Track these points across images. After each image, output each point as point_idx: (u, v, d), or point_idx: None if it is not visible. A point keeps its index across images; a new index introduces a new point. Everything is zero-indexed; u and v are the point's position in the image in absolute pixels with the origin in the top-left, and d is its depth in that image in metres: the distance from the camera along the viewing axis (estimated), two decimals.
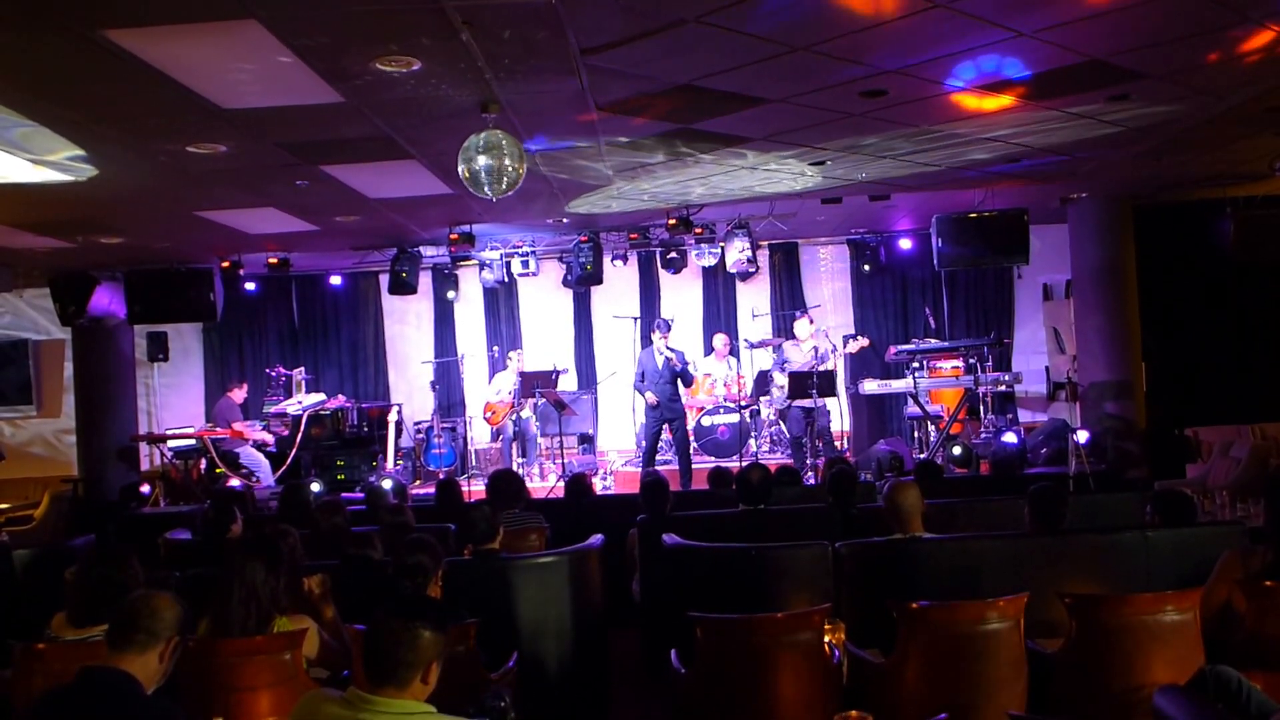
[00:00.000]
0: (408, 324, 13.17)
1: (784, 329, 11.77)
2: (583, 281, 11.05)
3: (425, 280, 12.05)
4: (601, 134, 6.58)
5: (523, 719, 3.99)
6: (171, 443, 10.85)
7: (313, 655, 3.63)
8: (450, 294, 12.52)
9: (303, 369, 12.23)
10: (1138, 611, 3.68)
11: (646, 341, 9.92)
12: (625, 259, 11.88)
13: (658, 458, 10.09)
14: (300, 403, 11.02)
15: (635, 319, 10.98)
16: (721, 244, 10.80)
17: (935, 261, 9.62)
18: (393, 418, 11.27)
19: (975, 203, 9.50)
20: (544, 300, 12.79)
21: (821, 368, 9.56)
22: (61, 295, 10.31)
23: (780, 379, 9.74)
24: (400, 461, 11.46)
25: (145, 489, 10.02)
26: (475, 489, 9.44)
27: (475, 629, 3.79)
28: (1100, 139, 7.43)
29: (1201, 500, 8.86)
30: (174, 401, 13.01)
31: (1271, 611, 3.72)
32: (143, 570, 3.83)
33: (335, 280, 12.59)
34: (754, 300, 12.58)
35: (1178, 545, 4.60)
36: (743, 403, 10.77)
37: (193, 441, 10.73)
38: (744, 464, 7.54)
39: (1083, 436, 8.58)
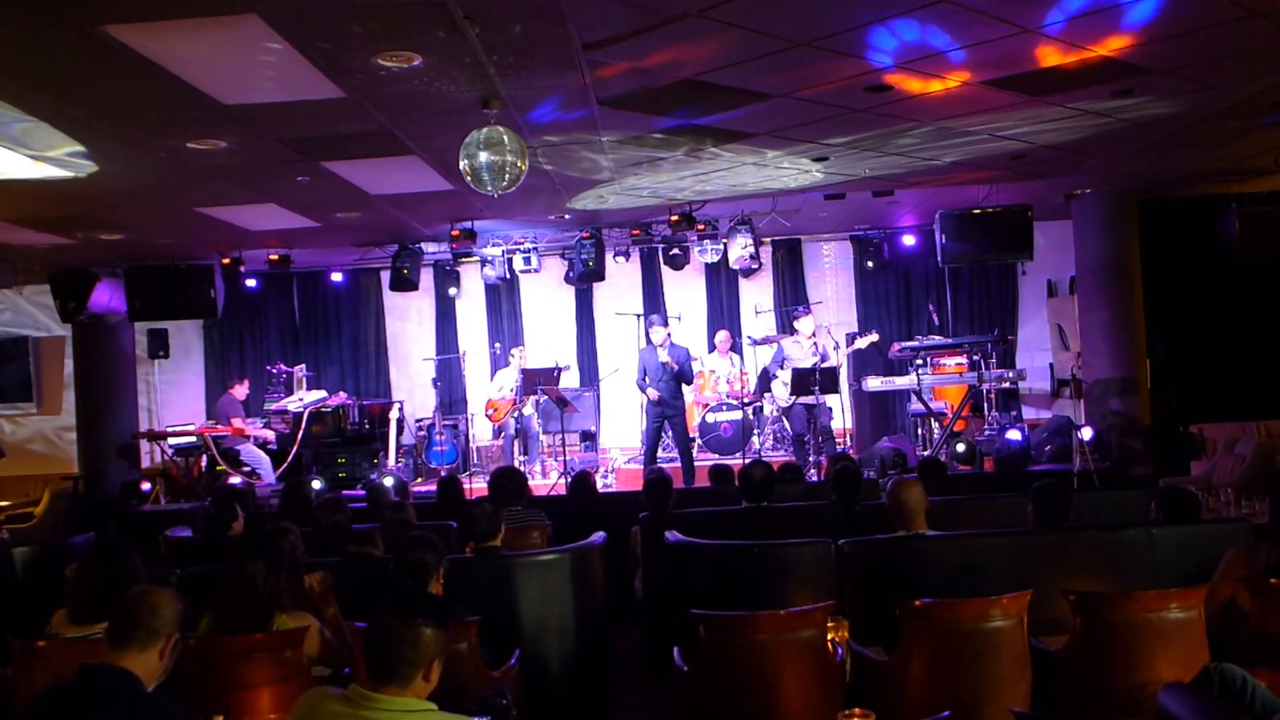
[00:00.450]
0: (409, 321, 13.16)
1: (786, 326, 11.76)
2: (585, 278, 11.03)
3: (427, 277, 12.03)
4: (603, 129, 6.56)
5: (525, 717, 3.98)
6: (172, 440, 10.85)
7: (314, 653, 3.62)
8: (452, 291, 12.51)
9: (304, 366, 12.23)
10: (1142, 609, 3.66)
11: (648, 339, 9.91)
12: (627, 255, 11.87)
13: (661, 454, 10.08)
14: (301, 400, 11.01)
15: (638, 316, 10.96)
16: (724, 240, 10.78)
17: (939, 258, 9.60)
18: (394, 415, 11.27)
19: (979, 198, 9.48)
20: (546, 297, 12.78)
21: (824, 365, 9.54)
22: (62, 292, 10.30)
23: (784, 375, 9.71)
24: (402, 459, 11.46)
25: (146, 486, 10.01)
26: (477, 486, 9.43)
27: (477, 627, 3.78)
28: (1105, 134, 7.41)
29: (1206, 497, 8.83)
30: (175, 398, 13.00)
31: (1276, 609, 3.71)
32: (144, 568, 3.83)
33: (336, 277, 12.58)
34: (757, 297, 12.56)
35: (1182, 543, 4.58)
36: (745, 399, 10.76)
37: (194, 439, 10.73)
38: (747, 461, 7.51)
39: (1087, 433, 8.56)
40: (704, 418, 10.76)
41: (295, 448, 10.68)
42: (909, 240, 11.72)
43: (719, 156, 7.55)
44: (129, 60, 4.67)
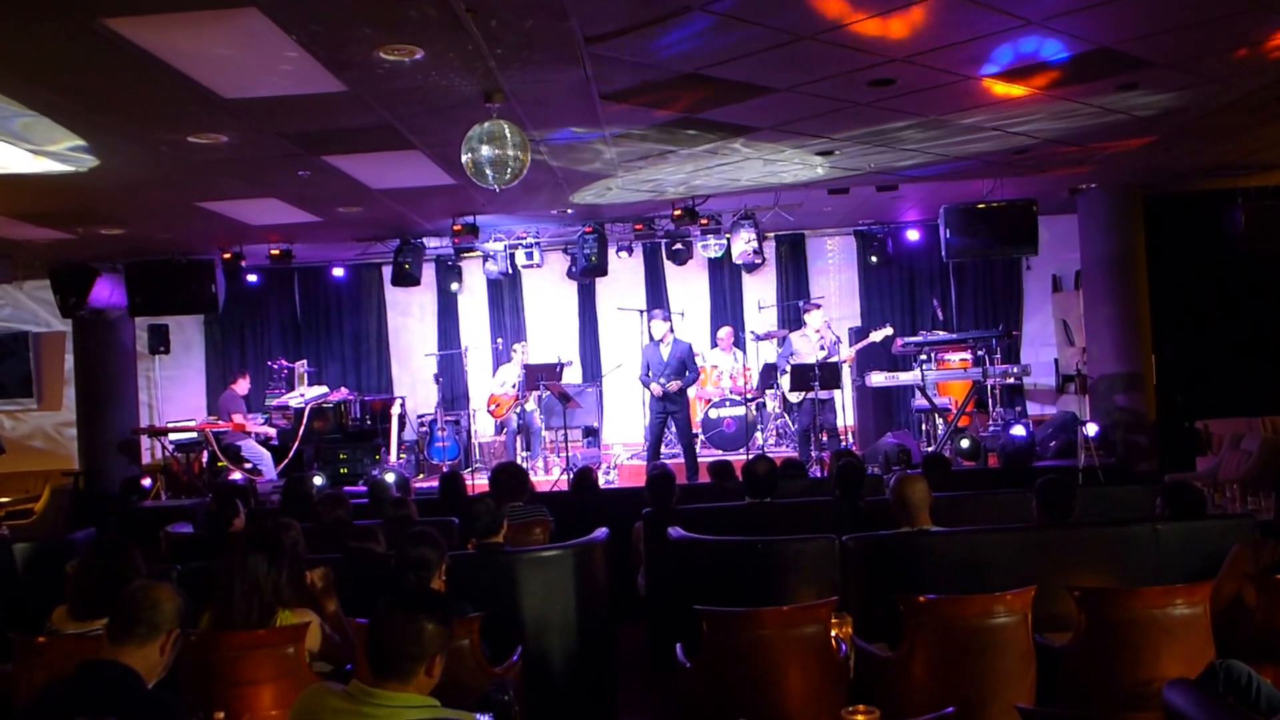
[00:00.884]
0: (411, 316, 13.14)
1: (790, 321, 11.73)
2: (587, 273, 11.01)
3: (428, 272, 12.01)
4: (606, 123, 6.53)
5: (527, 713, 3.97)
6: (173, 436, 10.85)
7: (315, 649, 3.61)
8: (454, 286, 12.49)
9: (305, 361, 12.22)
10: (1147, 605, 3.65)
11: (650, 334, 9.89)
12: (630, 250, 11.85)
13: (664, 450, 10.06)
14: (302, 395, 11.01)
15: (641, 311, 10.94)
16: (727, 235, 10.76)
17: (943, 253, 9.56)
18: (396, 410, 11.26)
19: (984, 193, 9.44)
20: (548, 292, 12.76)
21: (828, 360, 9.51)
22: (62, 287, 10.29)
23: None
24: (403, 455, 11.45)
25: (147, 482, 9.99)
26: (479, 482, 9.43)
27: (479, 622, 3.77)
28: (1110, 128, 7.37)
29: (1212, 493, 8.81)
30: (175, 394, 13.00)
31: None
32: (144, 564, 3.81)
33: (338, 272, 12.58)
34: (760, 292, 12.53)
35: (1187, 538, 4.55)
36: (748, 395, 10.74)
37: (194, 434, 10.72)
38: (750, 456, 7.50)
39: (1092, 429, 8.54)
40: (707, 413, 10.75)
41: (296, 443, 10.68)
42: (913, 235, 11.70)
43: (722, 150, 7.52)
44: (128, 54, 4.65)
